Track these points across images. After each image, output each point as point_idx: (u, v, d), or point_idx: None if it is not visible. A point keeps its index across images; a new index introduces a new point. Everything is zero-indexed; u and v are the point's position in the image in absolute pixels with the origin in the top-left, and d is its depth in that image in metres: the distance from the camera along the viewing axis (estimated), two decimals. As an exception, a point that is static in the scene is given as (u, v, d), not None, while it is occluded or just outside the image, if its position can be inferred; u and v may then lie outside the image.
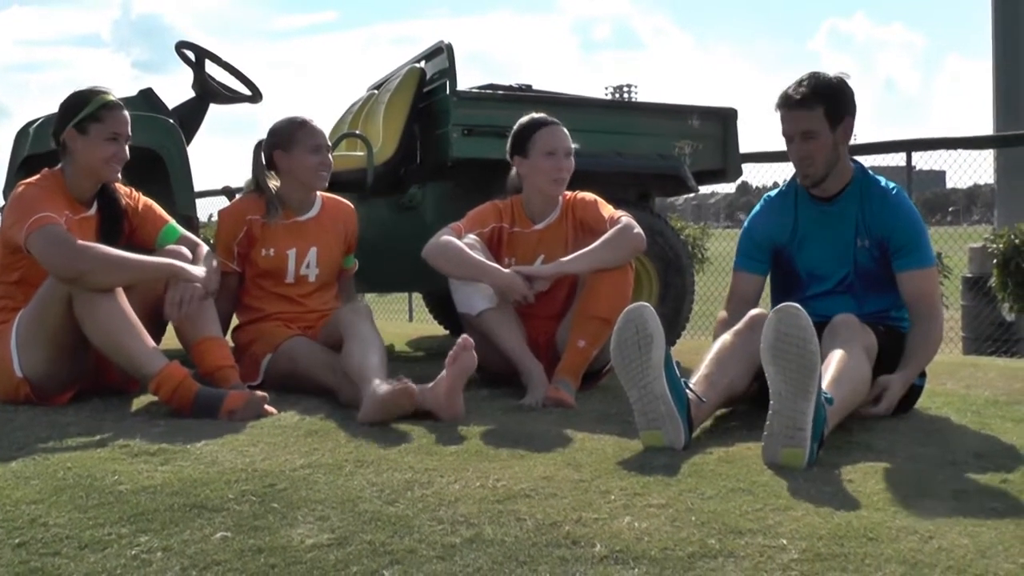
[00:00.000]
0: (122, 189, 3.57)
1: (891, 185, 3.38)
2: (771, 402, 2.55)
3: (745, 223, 3.63)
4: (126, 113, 3.44)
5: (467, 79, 4.75)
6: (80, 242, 3.16)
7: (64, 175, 3.43)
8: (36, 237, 3.14)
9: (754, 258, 3.54)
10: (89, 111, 3.37)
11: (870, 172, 3.42)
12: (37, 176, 3.42)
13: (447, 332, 6.34)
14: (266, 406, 3.14)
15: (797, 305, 2.56)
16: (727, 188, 9.84)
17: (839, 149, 3.32)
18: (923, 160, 7.85)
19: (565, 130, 3.82)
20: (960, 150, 8.22)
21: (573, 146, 3.85)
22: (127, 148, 3.44)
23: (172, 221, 3.66)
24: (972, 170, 8.75)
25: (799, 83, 3.29)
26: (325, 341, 3.65)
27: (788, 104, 3.30)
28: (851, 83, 3.33)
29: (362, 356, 3.29)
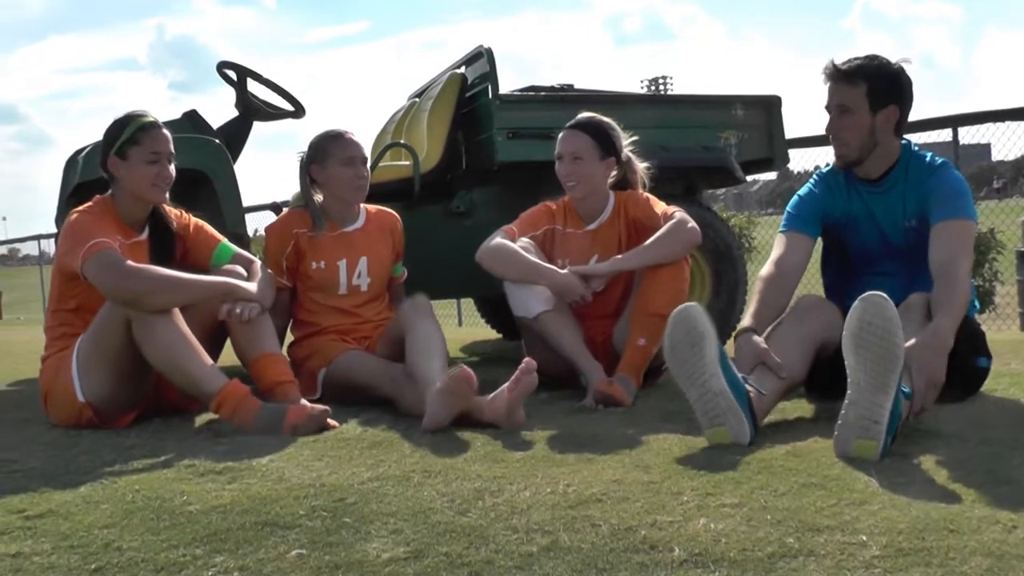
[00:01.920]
0: (172, 211, 3.60)
1: (938, 160, 3.32)
2: (848, 391, 2.50)
3: (797, 193, 3.51)
4: (165, 132, 3.46)
5: (502, 81, 4.76)
6: (134, 264, 3.19)
7: (114, 201, 3.47)
8: (91, 263, 3.18)
9: (805, 220, 3.39)
10: (126, 136, 3.41)
11: (916, 149, 3.35)
12: (89, 203, 3.45)
13: (500, 336, 6.34)
14: (328, 419, 3.15)
15: (883, 294, 2.49)
16: (768, 176, 9.86)
17: (877, 136, 3.25)
18: (968, 134, 7.74)
19: (577, 132, 3.78)
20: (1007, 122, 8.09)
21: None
22: (172, 168, 3.46)
23: (224, 240, 3.68)
24: (1020, 140, 8.60)
25: (852, 58, 3.24)
26: (385, 352, 3.66)
27: (832, 74, 3.24)
28: (910, 73, 3.25)
29: (424, 360, 3.31)
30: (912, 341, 2.80)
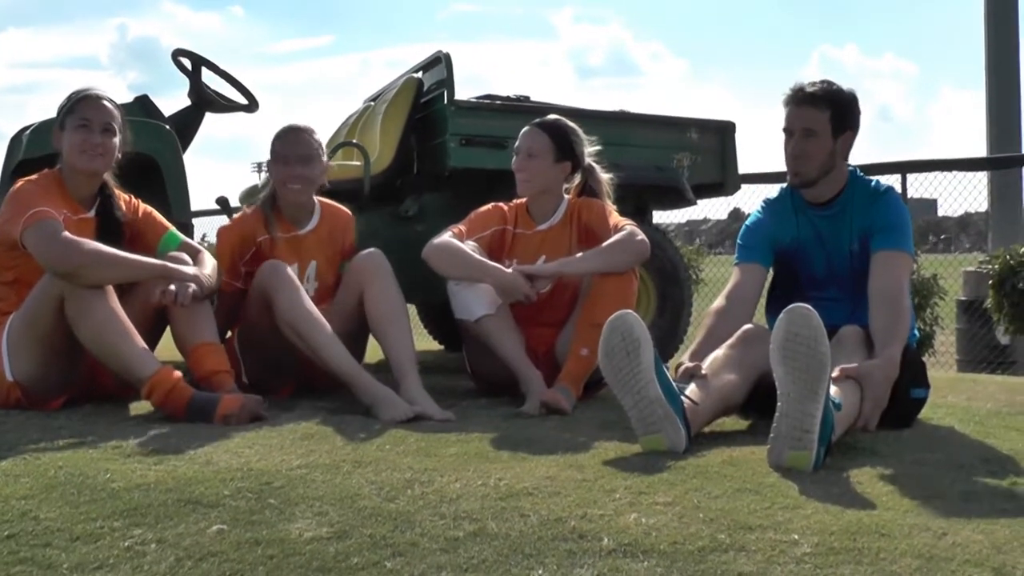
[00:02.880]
0: (121, 196, 3.54)
1: (883, 185, 3.38)
2: (778, 404, 2.50)
3: (745, 223, 3.57)
4: (105, 103, 3.41)
5: (460, 98, 4.74)
6: (73, 237, 3.13)
7: (62, 175, 3.42)
8: (31, 231, 3.12)
9: (757, 250, 3.45)
10: (66, 106, 3.40)
11: (861, 175, 3.42)
12: (36, 175, 3.39)
13: (442, 347, 6.29)
14: (261, 411, 3.09)
15: (808, 306, 2.51)
16: (719, 214, 9.95)
17: (835, 159, 3.31)
18: (914, 188, 7.89)
19: (537, 131, 3.78)
20: (954, 173, 8.23)
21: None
22: (114, 141, 3.40)
23: (173, 228, 3.62)
24: (964, 197, 8.75)
25: (812, 83, 3.30)
26: (339, 320, 3.60)
27: (796, 99, 3.29)
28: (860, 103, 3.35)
29: (393, 343, 3.50)
30: (871, 361, 2.91)
